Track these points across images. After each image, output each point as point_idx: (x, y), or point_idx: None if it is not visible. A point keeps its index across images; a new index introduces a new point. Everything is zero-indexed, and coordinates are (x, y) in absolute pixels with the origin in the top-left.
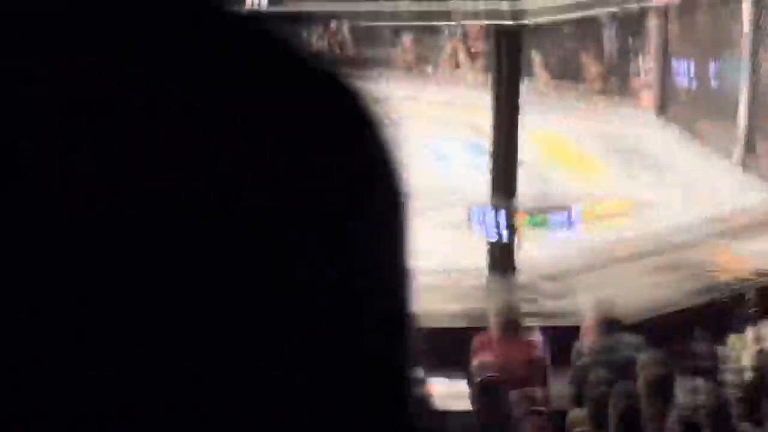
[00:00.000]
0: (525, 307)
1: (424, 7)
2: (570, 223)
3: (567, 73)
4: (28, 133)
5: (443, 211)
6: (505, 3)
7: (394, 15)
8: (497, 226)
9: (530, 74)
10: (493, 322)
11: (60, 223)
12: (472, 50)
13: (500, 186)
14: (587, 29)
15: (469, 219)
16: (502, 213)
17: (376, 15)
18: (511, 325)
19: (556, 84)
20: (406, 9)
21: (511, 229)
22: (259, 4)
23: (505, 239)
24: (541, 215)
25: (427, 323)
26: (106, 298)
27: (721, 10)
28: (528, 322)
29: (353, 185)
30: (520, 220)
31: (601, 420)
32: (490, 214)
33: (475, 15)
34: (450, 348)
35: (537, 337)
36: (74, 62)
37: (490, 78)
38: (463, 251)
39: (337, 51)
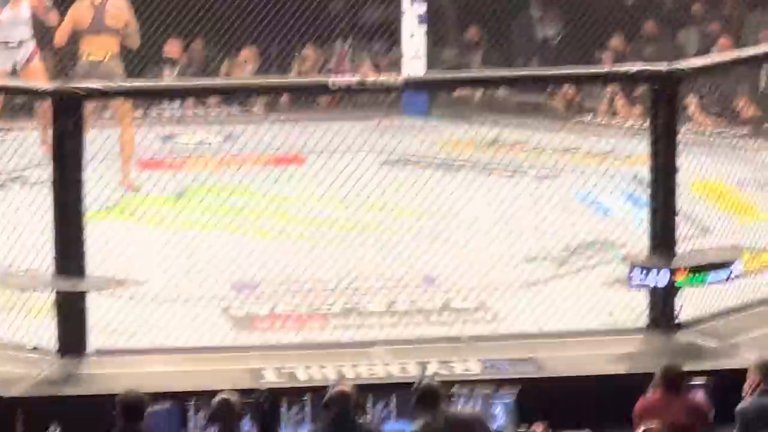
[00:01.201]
0: (688, 366)
1: None
2: (730, 279)
3: (724, 115)
4: None
5: (600, 268)
6: None
7: None
8: (657, 283)
9: (687, 119)
10: (656, 383)
11: None
12: (632, 95)
13: (659, 241)
14: (743, 70)
15: (628, 276)
16: (663, 271)
17: None
18: (675, 385)
19: (713, 127)
20: None
21: (672, 286)
22: None
23: (665, 296)
24: (700, 273)
25: (589, 384)
26: None
27: None
28: (692, 380)
29: None
30: (680, 276)
31: None
32: (652, 272)
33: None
34: (613, 408)
35: (701, 396)
36: None
37: (648, 126)
38: (622, 309)
39: None
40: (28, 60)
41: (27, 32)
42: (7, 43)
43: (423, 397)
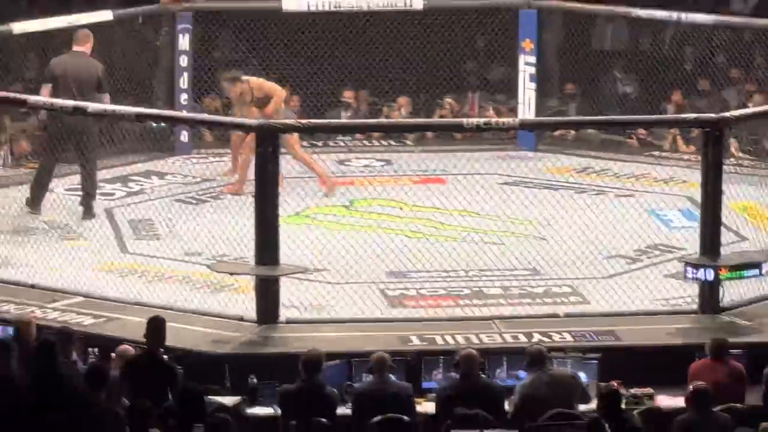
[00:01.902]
0: (729, 340)
1: None
2: (761, 275)
3: (756, 153)
4: None
5: (663, 265)
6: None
7: None
8: (705, 277)
9: (729, 155)
10: (707, 352)
11: None
12: (689, 137)
13: (708, 245)
14: None
15: (684, 271)
16: (710, 268)
17: None
18: (721, 354)
19: (748, 162)
20: None
21: (716, 280)
22: None
23: (711, 288)
24: (739, 270)
25: (654, 352)
26: None
27: None
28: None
29: None
30: (723, 272)
31: None
32: (701, 269)
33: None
34: (671, 370)
35: (739, 363)
36: None
37: (700, 159)
38: (677, 297)
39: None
40: None
41: None
42: None
43: (533, 358)
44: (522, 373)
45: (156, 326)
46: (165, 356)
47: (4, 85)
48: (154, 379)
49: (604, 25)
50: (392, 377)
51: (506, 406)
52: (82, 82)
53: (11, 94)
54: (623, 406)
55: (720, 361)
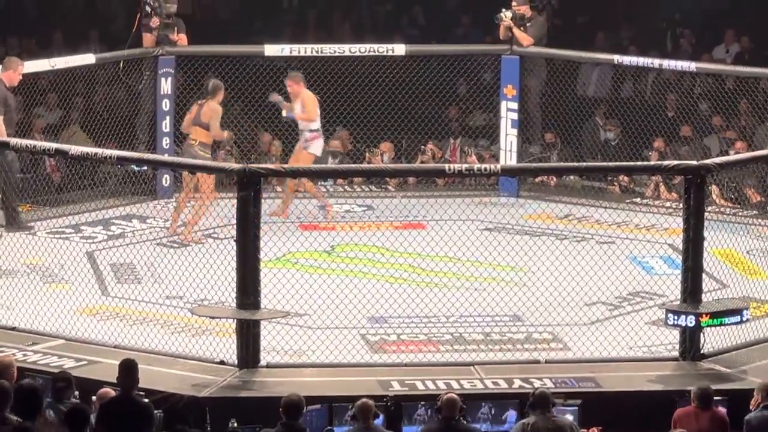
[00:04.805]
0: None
1: None
2: (741, 322)
3: (737, 200)
4: None
5: (644, 312)
6: None
7: None
8: (686, 324)
9: (711, 202)
10: (692, 398)
11: None
12: (671, 184)
13: (689, 292)
14: (753, 167)
15: (665, 318)
16: (691, 315)
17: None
18: (706, 401)
19: (730, 209)
20: None
21: (697, 326)
22: None
23: (692, 334)
24: (719, 317)
25: (635, 398)
26: None
27: None
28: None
29: None
30: (704, 319)
31: None
32: (682, 316)
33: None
34: (650, 416)
35: (723, 410)
36: None
37: (682, 206)
38: (658, 344)
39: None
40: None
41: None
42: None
43: (537, 400)
44: (511, 415)
45: (127, 368)
46: (145, 399)
47: None
48: (130, 421)
49: (590, 70)
50: (376, 424)
51: None
52: None
53: None
54: None
55: (705, 409)
